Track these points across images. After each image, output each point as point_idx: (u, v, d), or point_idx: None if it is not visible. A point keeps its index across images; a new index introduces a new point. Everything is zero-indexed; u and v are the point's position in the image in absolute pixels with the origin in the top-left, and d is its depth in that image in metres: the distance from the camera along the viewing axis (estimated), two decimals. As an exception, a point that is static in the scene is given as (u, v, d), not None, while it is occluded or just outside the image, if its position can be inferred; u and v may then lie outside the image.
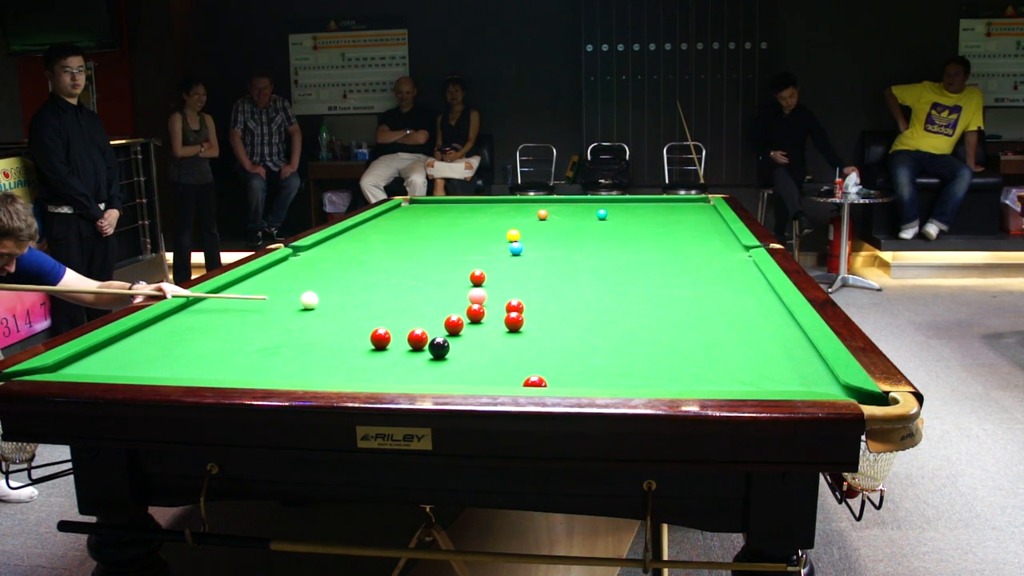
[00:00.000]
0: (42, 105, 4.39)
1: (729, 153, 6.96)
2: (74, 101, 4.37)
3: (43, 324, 4.57)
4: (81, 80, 4.32)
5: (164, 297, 2.29)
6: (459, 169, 6.82)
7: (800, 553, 1.55)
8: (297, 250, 3.12)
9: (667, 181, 6.86)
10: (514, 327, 2.03)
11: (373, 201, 6.05)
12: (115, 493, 1.67)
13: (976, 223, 6.48)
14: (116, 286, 2.62)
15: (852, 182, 5.98)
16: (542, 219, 3.87)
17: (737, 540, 2.58)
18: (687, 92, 6.88)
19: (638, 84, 6.94)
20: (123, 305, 2.33)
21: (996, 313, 5.39)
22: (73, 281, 2.77)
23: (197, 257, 6.42)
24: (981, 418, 3.71)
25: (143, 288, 2.39)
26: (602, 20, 6.87)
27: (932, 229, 6.37)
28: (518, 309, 2.07)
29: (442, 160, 6.85)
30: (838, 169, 6.17)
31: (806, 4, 6.90)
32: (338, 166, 7.26)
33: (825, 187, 6.14)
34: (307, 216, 7.16)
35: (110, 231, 4.53)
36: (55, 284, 2.73)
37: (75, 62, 4.27)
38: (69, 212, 4.36)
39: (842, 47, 6.88)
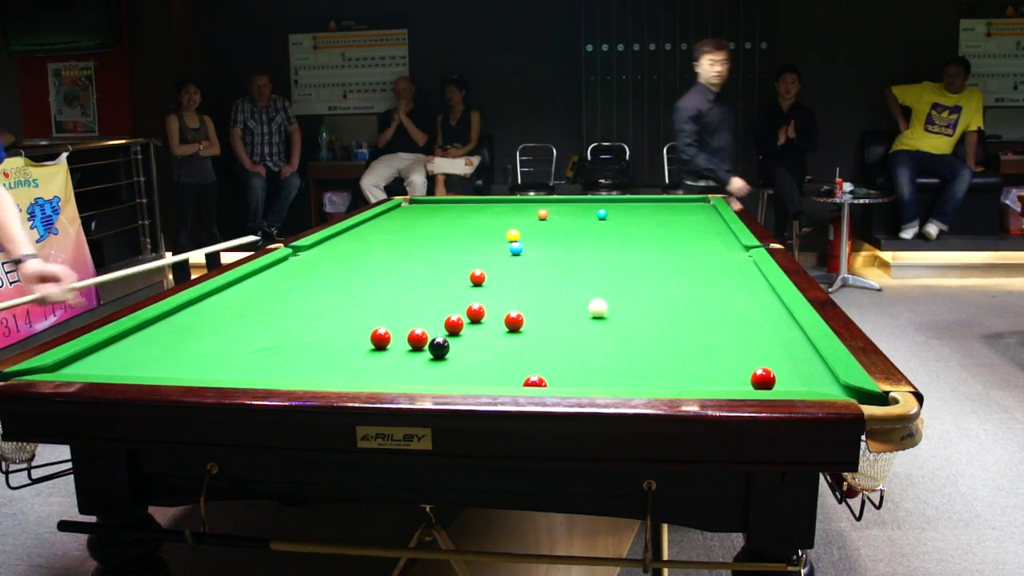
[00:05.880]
0: (689, 90, 5.09)
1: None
2: (717, 89, 4.97)
3: (43, 324, 4.56)
4: (725, 71, 4.95)
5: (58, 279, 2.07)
6: (459, 165, 6.82)
7: (800, 553, 1.55)
8: (297, 250, 3.12)
9: (667, 181, 6.85)
10: (514, 327, 2.03)
11: (373, 201, 6.05)
12: (115, 493, 1.67)
13: (976, 223, 6.48)
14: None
15: (847, 189, 6.04)
16: (542, 219, 3.87)
17: (737, 540, 2.58)
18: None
19: (638, 84, 6.93)
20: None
21: (996, 313, 5.38)
22: None
23: (197, 257, 6.40)
24: (981, 418, 3.71)
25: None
26: (602, 20, 6.86)
27: (932, 229, 6.36)
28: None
29: (443, 156, 6.85)
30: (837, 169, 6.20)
31: (806, 4, 6.90)
32: (338, 166, 7.26)
33: (825, 187, 6.14)
34: (307, 216, 7.16)
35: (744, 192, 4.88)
36: None
37: (721, 55, 4.92)
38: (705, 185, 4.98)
39: (842, 47, 6.88)
